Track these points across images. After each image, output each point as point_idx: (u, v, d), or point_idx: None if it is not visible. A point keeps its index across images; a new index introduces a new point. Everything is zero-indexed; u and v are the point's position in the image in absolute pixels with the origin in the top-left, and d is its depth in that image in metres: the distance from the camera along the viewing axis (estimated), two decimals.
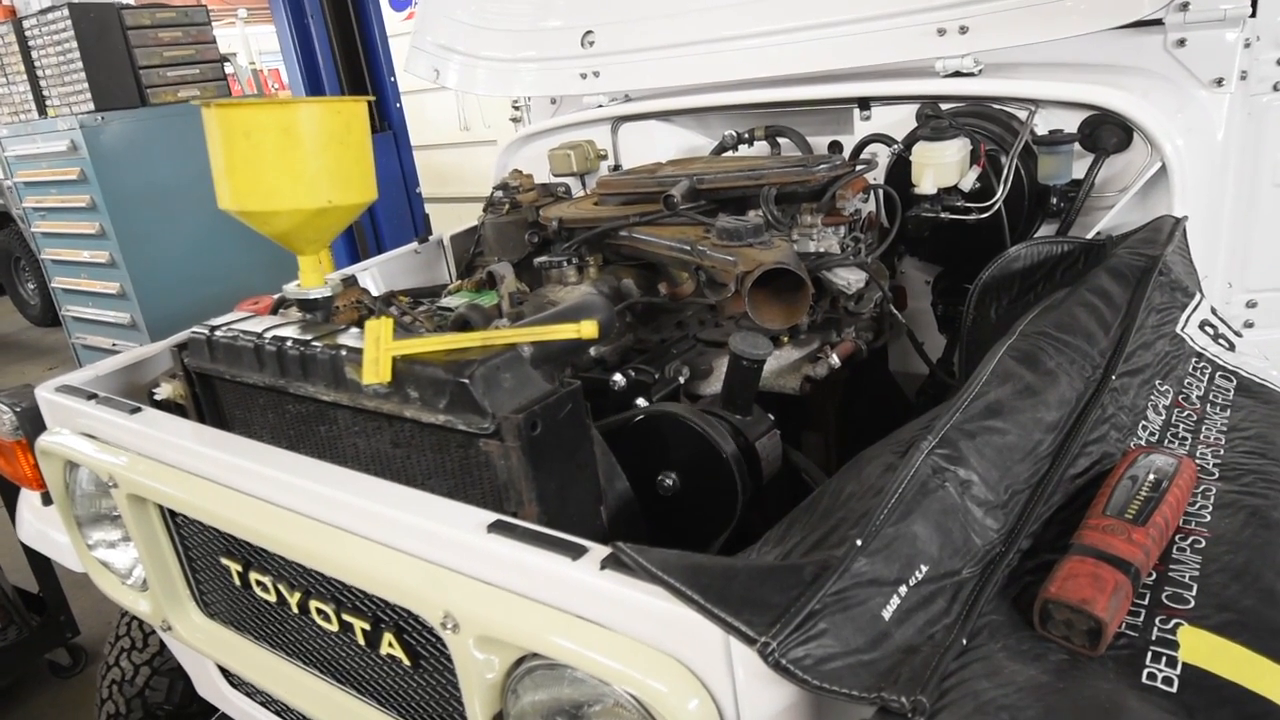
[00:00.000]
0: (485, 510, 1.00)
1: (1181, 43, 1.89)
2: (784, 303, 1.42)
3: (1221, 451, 1.16)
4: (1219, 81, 1.87)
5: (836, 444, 1.94)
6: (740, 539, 1.22)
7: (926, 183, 1.71)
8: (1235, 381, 1.33)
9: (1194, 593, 0.91)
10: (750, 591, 0.76)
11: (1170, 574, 0.94)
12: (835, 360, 1.58)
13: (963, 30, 1.87)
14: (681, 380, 1.52)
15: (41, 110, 5.69)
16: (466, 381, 1.03)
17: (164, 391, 1.51)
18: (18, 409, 1.75)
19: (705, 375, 1.63)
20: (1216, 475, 1.11)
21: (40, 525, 1.94)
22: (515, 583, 0.92)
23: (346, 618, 1.20)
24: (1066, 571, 0.87)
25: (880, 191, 1.76)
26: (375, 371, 1.08)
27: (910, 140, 1.79)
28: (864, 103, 2.04)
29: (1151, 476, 1.01)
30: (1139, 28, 1.95)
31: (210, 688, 1.72)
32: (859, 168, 1.71)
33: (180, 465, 1.32)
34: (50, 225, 5.75)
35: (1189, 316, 1.40)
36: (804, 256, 1.66)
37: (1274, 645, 0.84)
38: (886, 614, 0.80)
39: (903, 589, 0.83)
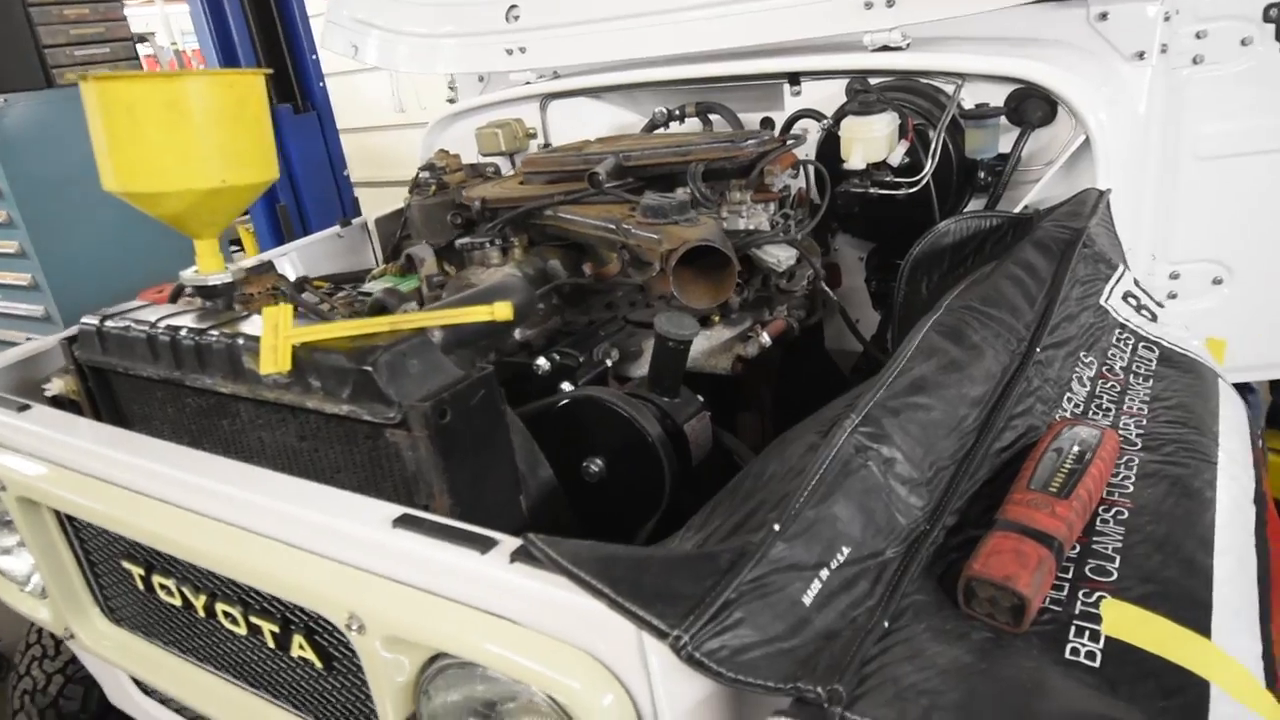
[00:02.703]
0: (393, 504, 0.94)
1: (1104, 16, 1.90)
2: (711, 281, 1.38)
3: (1144, 421, 1.16)
4: (1140, 55, 1.88)
5: (773, 424, 1.92)
6: (671, 523, 1.19)
7: (855, 158, 1.69)
8: (1157, 352, 1.34)
9: (1116, 564, 0.90)
10: (663, 583, 0.73)
11: (1094, 546, 0.93)
12: (766, 339, 1.55)
13: (890, 3, 1.85)
14: (609, 363, 1.48)
15: None
16: (370, 369, 0.97)
17: (55, 387, 1.41)
18: None
19: (636, 357, 1.58)
20: (1139, 445, 1.11)
21: None
22: (423, 580, 0.87)
23: (255, 620, 1.13)
24: (990, 548, 0.86)
25: (810, 167, 1.74)
26: (274, 360, 1.01)
27: (840, 115, 1.77)
28: (794, 78, 2.01)
29: (1075, 449, 1.00)
30: (1062, 1, 1.96)
31: (122, 696, 1.63)
32: (788, 143, 1.67)
33: (71, 465, 1.23)
34: None
35: (1112, 288, 1.40)
36: (733, 234, 1.63)
37: (1194, 615, 0.83)
38: (807, 599, 0.77)
39: (824, 572, 0.80)
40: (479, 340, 1.15)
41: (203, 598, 1.19)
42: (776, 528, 0.77)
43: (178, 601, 1.23)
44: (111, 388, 1.39)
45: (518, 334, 1.53)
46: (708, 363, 1.58)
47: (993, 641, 0.79)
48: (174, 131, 1.16)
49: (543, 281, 1.61)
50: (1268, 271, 2.06)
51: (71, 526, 1.36)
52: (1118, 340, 1.33)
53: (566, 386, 1.37)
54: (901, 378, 1.02)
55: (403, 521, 0.89)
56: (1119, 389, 1.23)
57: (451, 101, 3.44)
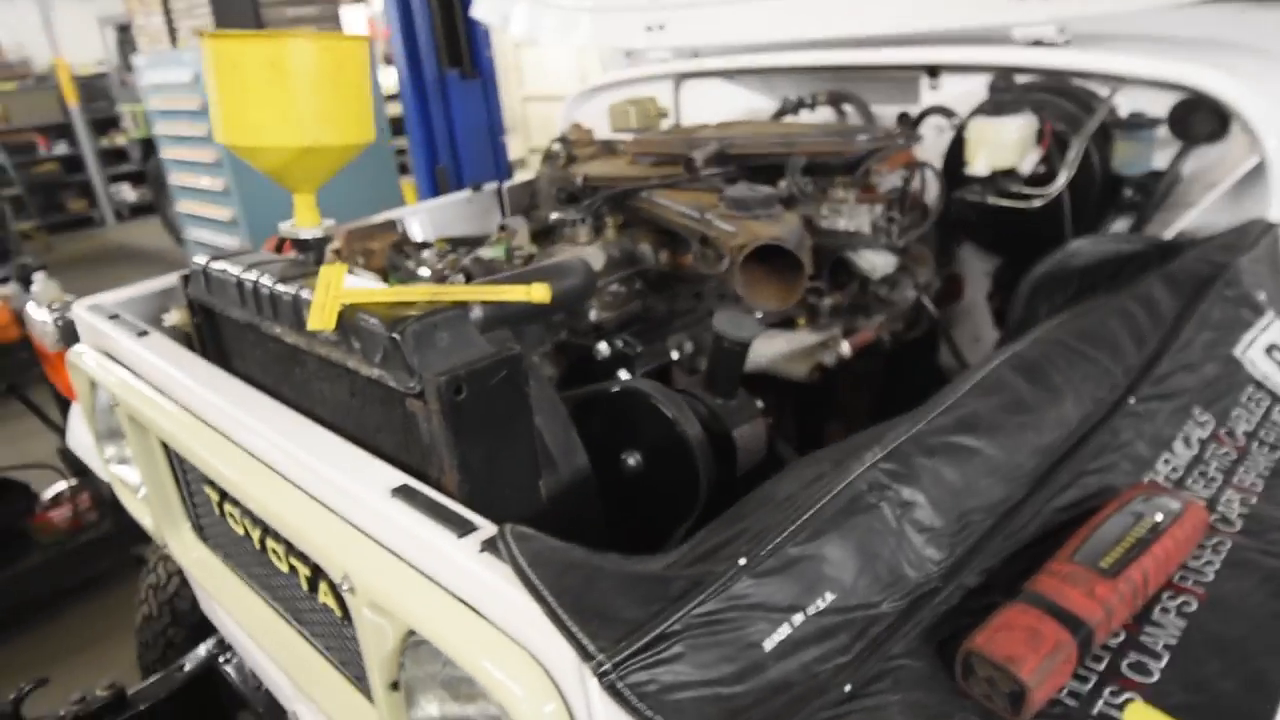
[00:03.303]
0: (401, 473, 0.96)
1: None
2: (782, 282, 1.31)
3: (1254, 500, 0.99)
4: None
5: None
6: None
7: (979, 163, 1.55)
8: None
9: (1162, 664, 0.78)
10: (608, 601, 0.69)
11: (1142, 639, 0.81)
12: (846, 349, 1.46)
13: None
14: (676, 355, 1.44)
15: (173, 41, 5.99)
16: (398, 337, 0.98)
17: (171, 319, 1.54)
18: (59, 322, 1.83)
19: None
20: (1238, 527, 0.95)
21: (82, 434, 2.05)
22: (408, 553, 0.88)
23: (293, 561, 1.19)
24: (1002, 621, 0.76)
25: (926, 170, 1.61)
26: (321, 318, 1.05)
27: (973, 114, 1.62)
28: (933, 70, 1.86)
29: (1145, 522, 0.87)
30: (1258, 1, 1.70)
31: (208, 605, 1.78)
32: (900, 142, 1.55)
33: (167, 391, 1.34)
34: (177, 153, 6.08)
35: (1255, 338, 1.21)
36: (831, 234, 1.54)
37: None
38: (768, 644, 0.71)
39: (797, 617, 0.73)
40: (520, 319, 1.14)
41: (258, 531, 1.27)
42: (743, 562, 0.72)
43: (241, 531, 1.32)
44: (216, 324, 1.50)
45: (593, 315, 1.52)
46: (785, 367, 1.51)
47: None
48: (273, 89, 1.22)
49: (628, 264, 1.59)
50: None
51: (169, 446, 1.49)
52: (1248, 399, 1.14)
53: (624, 375, 1.35)
54: (949, 413, 0.92)
55: (400, 492, 0.90)
56: (1234, 457, 1.06)
57: None
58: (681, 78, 2.37)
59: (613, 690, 0.64)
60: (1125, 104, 1.59)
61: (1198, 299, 1.18)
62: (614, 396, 1.23)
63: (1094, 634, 0.76)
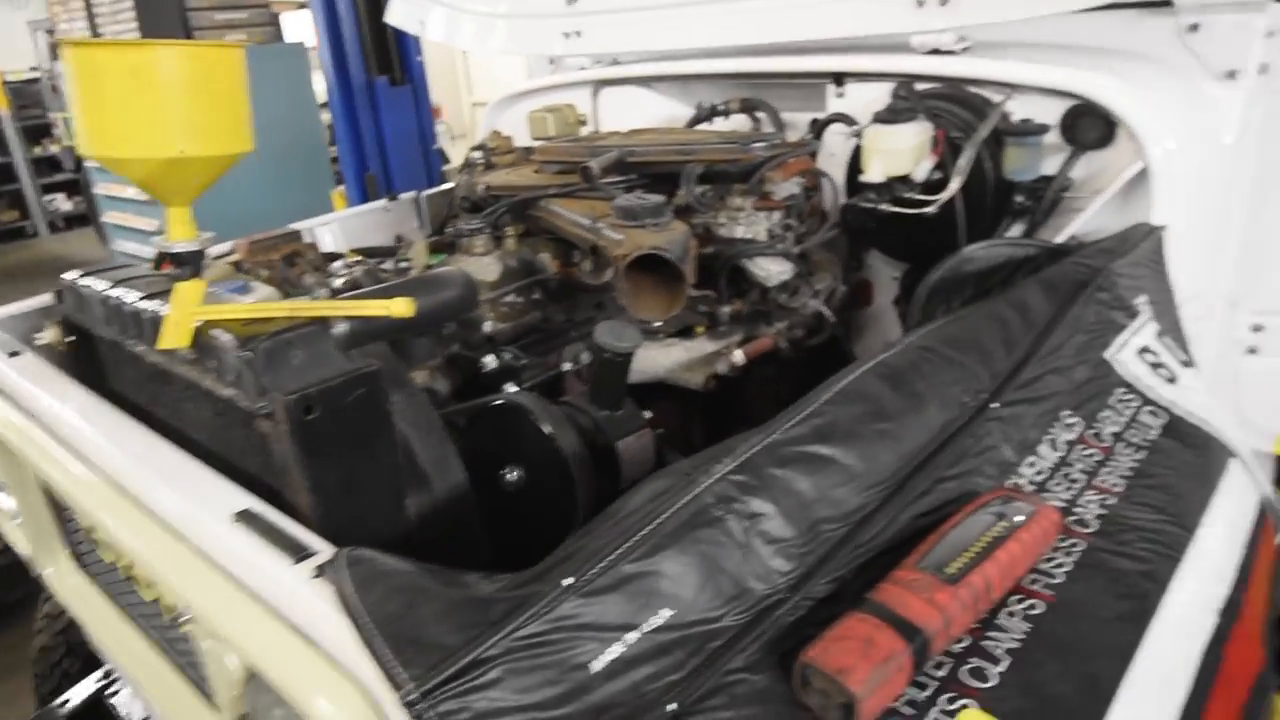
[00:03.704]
0: (249, 497, 0.93)
1: (1194, 28, 1.67)
2: (667, 292, 1.30)
3: (1112, 501, 1.01)
4: (1232, 74, 1.65)
5: None
6: None
7: (874, 170, 1.56)
8: (1164, 419, 1.16)
9: (1001, 669, 0.78)
10: (426, 627, 0.67)
11: (985, 644, 0.81)
12: (739, 357, 1.45)
13: (942, 2, 1.69)
14: (569, 366, 1.42)
15: None
16: (249, 355, 0.95)
17: (45, 337, 1.48)
18: None
19: None
20: (1094, 529, 0.96)
21: None
22: (249, 580, 0.85)
23: (153, 593, 1.15)
24: (839, 631, 0.76)
25: (821, 176, 1.62)
26: (174, 335, 1.02)
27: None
28: (839, 78, 1.88)
29: (993, 527, 0.88)
30: (1149, 9, 1.74)
31: (92, 639, 1.71)
32: (794, 150, 1.56)
33: (32, 414, 1.29)
34: None
35: (1126, 340, 1.23)
36: (727, 242, 1.54)
37: None
38: (597, 664, 0.70)
39: (631, 635, 0.72)
40: (388, 334, 1.12)
41: (124, 559, 1.22)
42: (568, 582, 0.70)
43: (110, 558, 1.27)
44: (93, 343, 1.45)
45: (487, 327, 1.50)
46: (681, 375, 1.50)
47: None
48: (136, 99, 1.18)
49: (525, 274, 1.57)
50: None
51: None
52: (1117, 401, 1.16)
53: (510, 388, 1.33)
54: (806, 422, 0.92)
55: (242, 516, 0.87)
56: (1099, 458, 1.07)
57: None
58: (599, 85, 2.36)
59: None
60: (1019, 110, 1.61)
61: (1070, 303, 1.20)
62: (493, 411, 1.21)
63: (931, 642, 0.76)
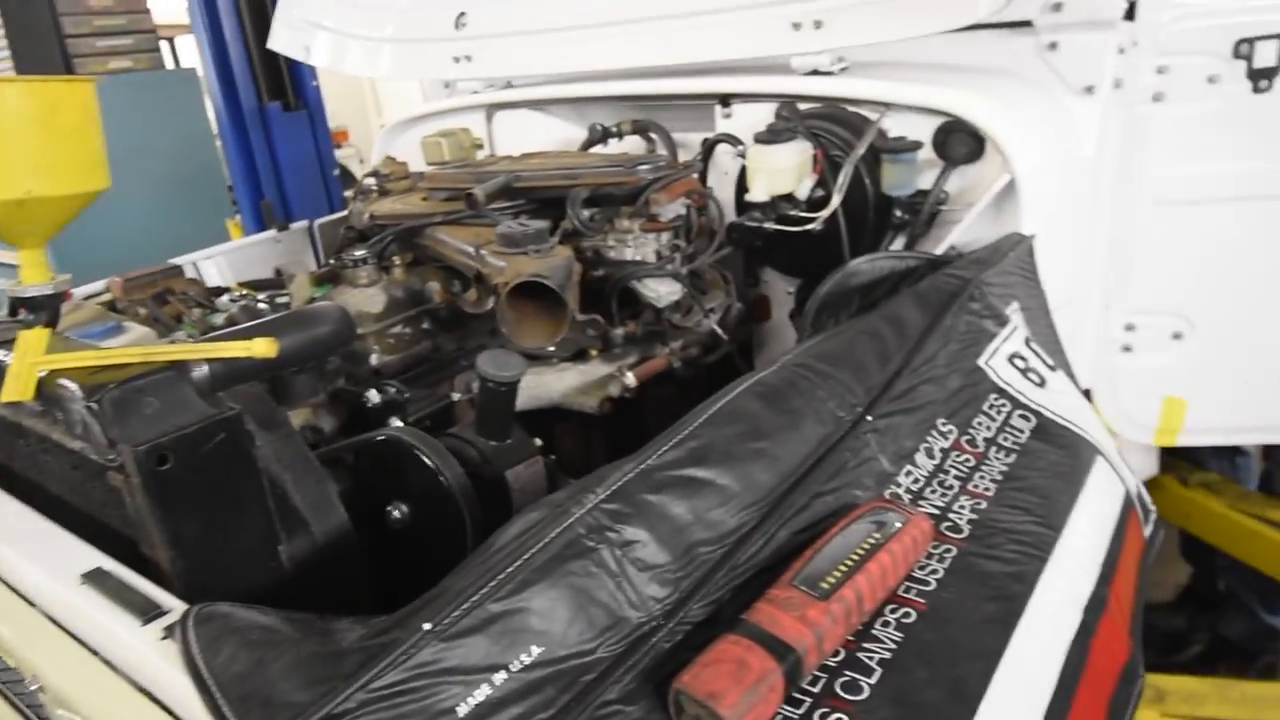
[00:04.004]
0: (101, 555, 0.88)
1: (1053, 46, 1.76)
2: (551, 318, 1.29)
3: (984, 505, 1.04)
4: (1089, 89, 1.74)
5: None
6: None
7: (758, 189, 1.59)
8: (1034, 422, 1.21)
9: (873, 680, 0.79)
10: (275, 685, 0.64)
11: (859, 655, 0.82)
12: (630, 380, 1.45)
13: (818, 25, 1.74)
14: (457, 397, 1.40)
15: None
16: (95, 405, 0.90)
17: None
18: None
19: None
20: (966, 534, 0.99)
21: None
22: (100, 644, 0.80)
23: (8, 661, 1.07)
24: (712, 655, 0.75)
25: (707, 196, 1.64)
26: (16, 387, 0.96)
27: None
28: (725, 100, 1.91)
29: (866, 540, 0.89)
30: (1012, 29, 1.82)
31: None
32: (680, 171, 1.57)
33: None
34: None
35: (998, 347, 1.28)
36: (617, 264, 1.54)
37: None
38: (463, 709, 0.68)
39: (499, 676, 0.70)
40: (253, 376, 1.08)
41: None
42: (427, 627, 0.68)
43: None
44: None
45: (374, 359, 1.47)
46: (575, 400, 1.49)
47: None
48: None
49: (413, 304, 1.54)
50: (1233, 327, 1.89)
51: None
52: (990, 407, 1.20)
53: (396, 422, 1.30)
54: (680, 446, 0.92)
55: (91, 577, 0.83)
56: (972, 464, 1.11)
57: None
58: (493, 108, 2.35)
59: None
60: (895, 128, 1.67)
61: (942, 314, 1.24)
62: (375, 447, 1.17)
63: (803, 660, 0.77)
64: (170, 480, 0.89)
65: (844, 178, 1.56)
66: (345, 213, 2.35)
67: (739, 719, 0.70)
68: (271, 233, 2.44)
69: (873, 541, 0.88)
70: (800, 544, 0.93)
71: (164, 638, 0.73)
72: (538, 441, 1.27)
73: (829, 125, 1.69)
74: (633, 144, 2.11)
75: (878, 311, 1.25)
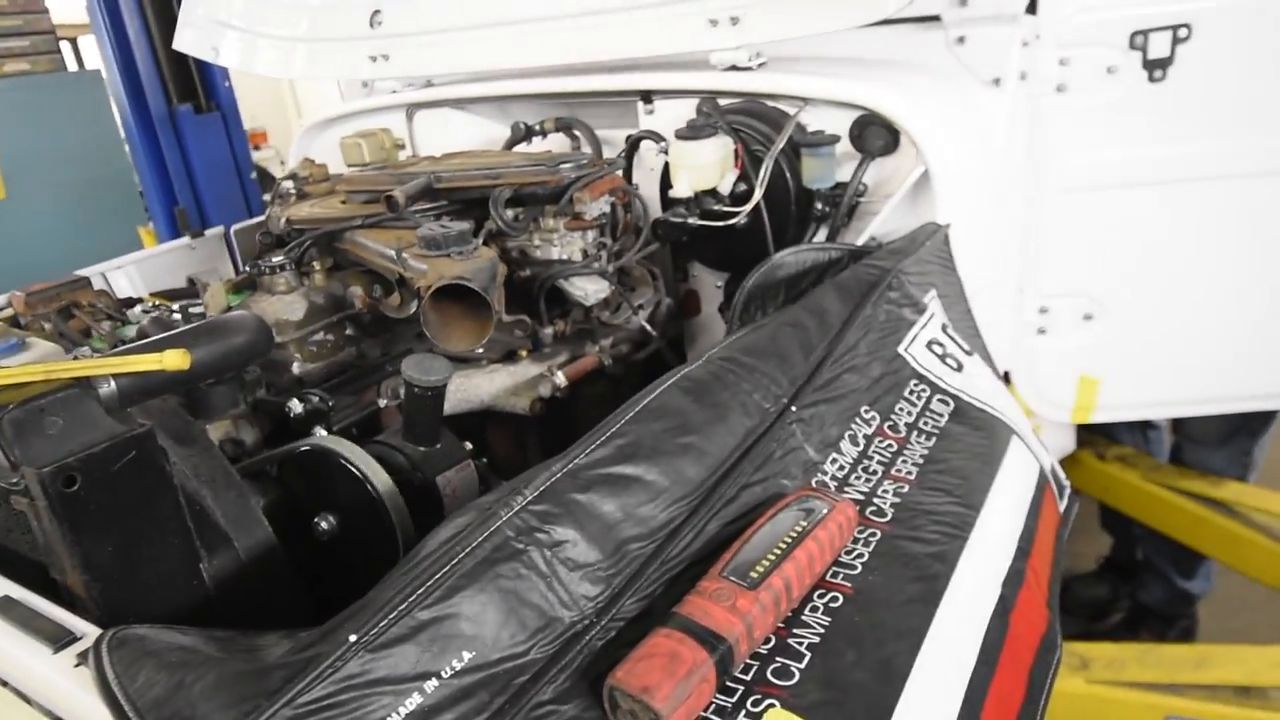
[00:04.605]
0: (10, 583, 0.84)
1: (961, 40, 1.82)
2: (476, 321, 1.28)
3: (906, 489, 1.07)
4: (996, 81, 1.80)
5: None
6: None
7: (681, 185, 1.60)
8: (952, 406, 1.25)
9: (803, 664, 0.80)
10: (196, 706, 0.63)
11: (789, 641, 0.83)
12: (561, 380, 1.45)
13: (734, 21, 1.76)
14: (384, 403, 1.37)
15: None
16: None
17: None
18: None
19: None
20: (889, 517, 1.02)
21: None
22: (12, 675, 0.77)
23: None
24: (644, 650, 0.76)
25: (631, 194, 1.64)
26: None
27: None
28: (647, 96, 1.92)
29: (792, 528, 0.91)
30: (923, 23, 1.87)
31: None
32: (603, 169, 1.58)
33: None
34: None
35: (916, 335, 1.31)
36: (544, 264, 1.54)
37: None
38: (394, 719, 0.67)
39: (430, 684, 0.70)
40: (165, 389, 1.04)
41: None
42: (353, 638, 0.67)
43: None
44: None
45: (295, 368, 1.43)
46: (506, 402, 1.48)
47: None
48: None
49: (334, 310, 1.51)
50: (1139, 307, 1.98)
51: None
52: (910, 393, 1.24)
53: (321, 432, 1.27)
54: (608, 444, 0.92)
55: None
56: (894, 449, 1.14)
57: None
58: (413, 108, 2.31)
59: None
60: (814, 122, 1.70)
61: (862, 304, 1.27)
62: (299, 458, 1.15)
63: (734, 649, 0.78)
64: (79, 502, 0.85)
65: (765, 171, 1.58)
66: (263, 217, 2.28)
67: (672, 711, 0.71)
68: (185, 240, 2.36)
69: (799, 529, 0.90)
70: (730, 535, 0.94)
71: (78, 664, 0.70)
72: (468, 445, 1.26)
73: (749, 120, 1.71)
74: (556, 141, 2.10)
75: (800, 303, 1.27)
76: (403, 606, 0.71)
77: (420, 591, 0.72)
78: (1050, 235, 1.94)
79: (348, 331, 1.52)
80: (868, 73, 1.78)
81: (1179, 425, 2.66)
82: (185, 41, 2.36)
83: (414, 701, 0.68)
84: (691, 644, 0.76)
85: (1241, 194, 1.85)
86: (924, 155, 1.58)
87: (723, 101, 1.78)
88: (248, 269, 1.57)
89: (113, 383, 0.97)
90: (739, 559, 0.86)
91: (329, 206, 1.76)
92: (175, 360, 0.97)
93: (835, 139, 1.61)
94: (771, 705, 0.76)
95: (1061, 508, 1.26)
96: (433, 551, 0.78)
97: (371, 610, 0.71)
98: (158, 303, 2.02)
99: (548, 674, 0.75)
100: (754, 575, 0.85)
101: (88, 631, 0.75)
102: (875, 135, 1.63)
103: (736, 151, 1.62)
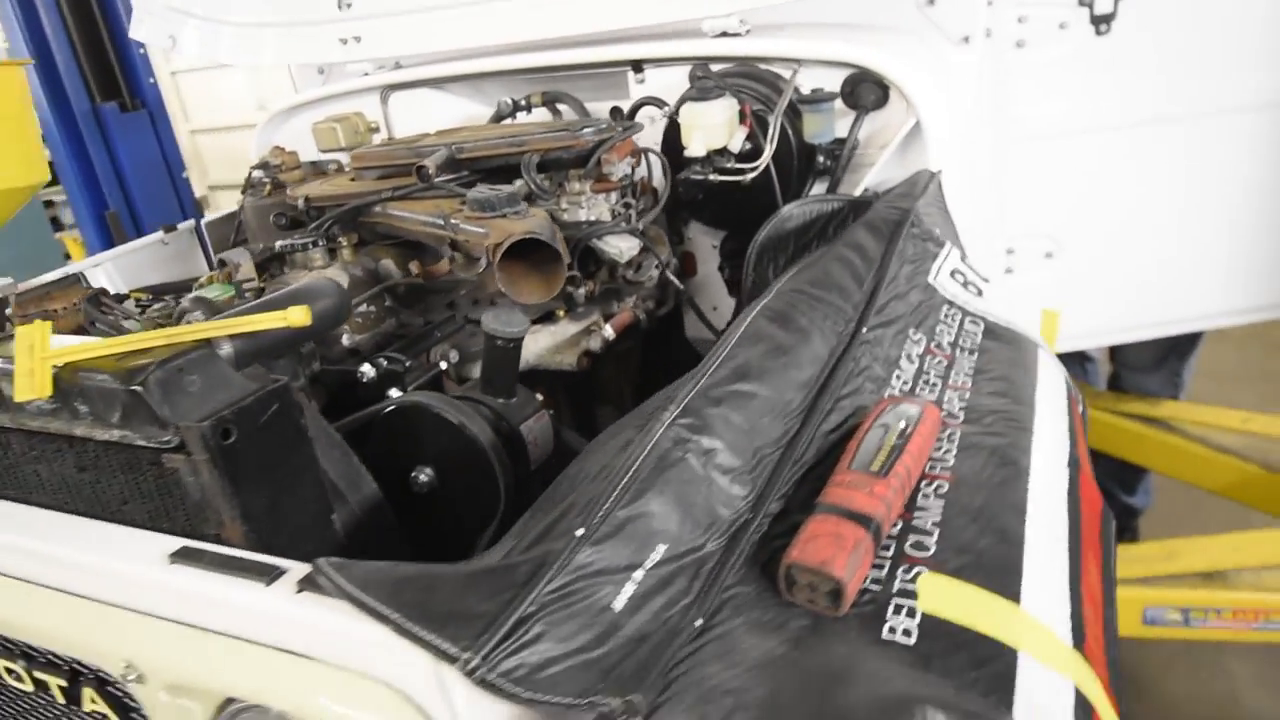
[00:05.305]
0: (174, 538, 0.85)
1: (931, 2, 1.95)
2: (542, 276, 1.33)
3: (968, 395, 1.18)
4: (966, 39, 1.94)
5: None
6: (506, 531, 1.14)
7: (696, 144, 1.67)
8: (982, 326, 1.37)
9: (935, 538, 0.90)
10: (455, 603, 0.67)
11: (914, 521, 0.93)
12: (610, 333, 1.51)
13: None
14: (444, 365, 1.41)
15: None
16: (139, 389, 0.87)
17: None
18: None
19: (477, 358, 1.52)
20: (962, 419, 1.13)
21: None
22: (208, 618, 0.79)
23: (40, 675, 1.01)
24: (809, 533, 0.84)
25: (650, 155, 1.71)
26: (31, 386, 0.90)
27: (681, 102, 1.75)
28: (637, 65, 1.98)
29: (897, 426, 1.01)
30: None
31: None
32: (621, 131, 1.64)
33: None
34: None
35: (940, 266, 1.43)
36: (573, 225, 1.59)
37: (1006, 582, 0.85)
38: (618, 604, 0.73)
39: (638, 574, 0.76)
40: (278, 350, 1.06)
41: None
42: (580, 533, 0.73)
43: None
44: None
45: (345, 340, 1.45)
46: (553, 359, 1.53)
47: (809, 629, 0.78)
48: None
49: (373, 283, 1.53)
50: (1094, 244, 2.18)
51: None
52: (945, 316, 1.35)
53: (395, 393, 1.29)
54: (724, 366, 1.00)
55: (181, 555, 0.81)
56: (946, 364, 1.25)
57: None
58: (388, 89, 2.30)
59: (485, 683, 0.63)
60: (806, 82, 1.80)
61: (895, 239, 1.38)
62: (393, 415, 1.18)
63: (881, 526, 0.87)
64: (236, 453, 0.88)
65: (774, 128, 1.67)
66: (234, 210, 2.24)
67: (851, 577, 0.80)
68: (159, 235, 2.29)
69: (903, 427, 1.00)
70: (834, 442, 1.03)
71: (300, 590, 0.74)
72: (539, 396, 1.31)
73: (746, 82, 1.80)
74: (540, 116, 2.14)
75: (840, 241, 1.37)
76: (608, 505, 0.77)
77: (616, 493, 0.79)
78: (1015, 181, 2.11)
79: (386, 303, 1.53)
80: (852, 34, 1.89)
81: (1116, 354, 2.91)
82: (142, 31, 2.28)
83: (629, 589, 0.75)
84: (848, 524, 0.85)
85: (1178, 135, 2.06)
86: (915, 107, 1.70)
87: (715, 67, 1.86)
88: (279, 248, 1.56)
89: (228, 344, 0.99)
90: (860, 456, 0.96)
91: (339, 185, 1.76)
92: (299, 316, 0.99)
93: (835, 95, 1.72)
94: (920, 571, 0.85)
95: (1080, 409, 1.41)
96: (609, 464, 0.84)
97: (582, 510, 0.77)
98: (141, 299, 1.97)
99: (726, 562, 0.83)
100: (875, 469, 0.94)
101: (288, 566, 0.78)
102: (867, 91, 1.75)
103: (743, 111, 1.70)
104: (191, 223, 2.40)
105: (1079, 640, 0.85)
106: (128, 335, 0.96)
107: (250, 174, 2.12)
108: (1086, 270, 2.19)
